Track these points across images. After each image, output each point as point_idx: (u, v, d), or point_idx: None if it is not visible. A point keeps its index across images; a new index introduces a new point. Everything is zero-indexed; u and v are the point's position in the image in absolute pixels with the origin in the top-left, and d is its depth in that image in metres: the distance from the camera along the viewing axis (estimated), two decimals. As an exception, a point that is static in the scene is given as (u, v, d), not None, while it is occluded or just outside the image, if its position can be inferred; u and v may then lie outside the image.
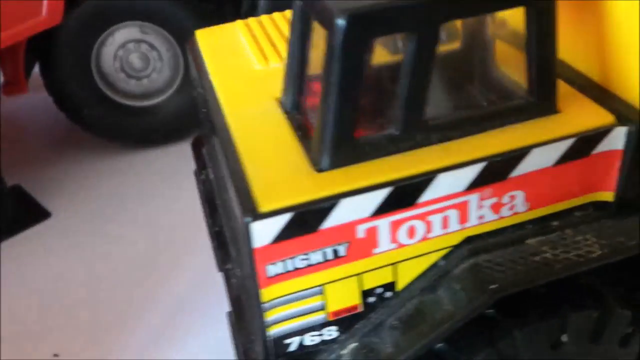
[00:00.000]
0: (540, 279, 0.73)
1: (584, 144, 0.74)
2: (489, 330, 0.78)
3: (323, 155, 0.71)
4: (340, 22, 0.64)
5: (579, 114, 0.76)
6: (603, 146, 0.75)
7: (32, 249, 1.53)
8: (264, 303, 0.72)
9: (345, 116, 0.68)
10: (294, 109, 0.81)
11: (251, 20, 1.06)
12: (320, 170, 0.71)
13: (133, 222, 1.58)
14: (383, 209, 0.70)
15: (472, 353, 0.77)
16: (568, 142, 0.73)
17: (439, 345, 0.79)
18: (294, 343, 0.76)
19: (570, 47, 0.84)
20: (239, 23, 1.05)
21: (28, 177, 1.73)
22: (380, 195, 0.69)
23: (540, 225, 0.78)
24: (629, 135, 0.74)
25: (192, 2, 1.66)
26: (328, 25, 0.66)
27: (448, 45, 0.83)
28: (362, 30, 0.65)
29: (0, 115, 1.78)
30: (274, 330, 0.74)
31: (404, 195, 0.70)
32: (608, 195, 0.78)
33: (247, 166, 0.72)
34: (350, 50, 0.65)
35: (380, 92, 0.74)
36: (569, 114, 0.76)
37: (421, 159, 0.71)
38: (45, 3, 1.43)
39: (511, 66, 0.77)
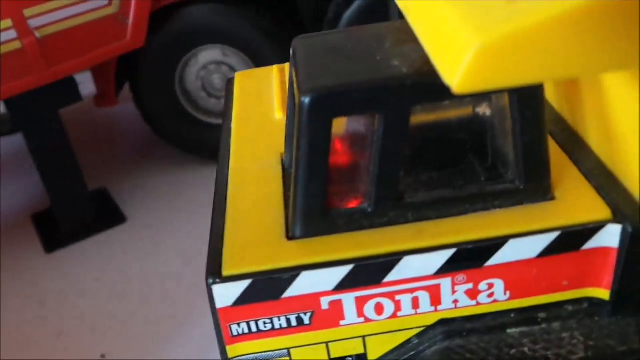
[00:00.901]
0: (508, 374, 0.70)
1: (572, 238, 0.70)
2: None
3: (295, 224, 0.72)
4: (305, 100, 0.65)
5: (574, 204, 0.71)
6: (595, 242, 0.70)
7: (103, 252, 1.65)
8: (230, 359, 0.74)
9: (314, 189, 0.69)
10: (292, 167, 0.83)
11: (287, 66, 1.08)
12: (291, 237, 0.72)
13: (202, 235, 1.66)
14: (346, 285, 0.70)
15: None
16: (552, 235, 0.69)
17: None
18: (263, 399, 0.78)
19: (588, 123, 0.79)
20: (275, 68, 1.08)
21: (112, 182, 1.88)
22: (343, 271, 0.69)
23: (525, 315, 0.74)
24: (624, 234, 0.69)
25: (270, 27, 1.71)
26: (297, 99, 0.67)
27: (455, 110, 0.81)
28: (326, 109, 0.65)
29: (93, 123, 1.93)
30: (242, 386, 0.77)
31: (367, 273, 0.69)
32: (603, 293, 0.73)
33: (228, 225, 0.75)
34: (315, 128, 0.66)
35: (356, 165, 0.74)
36: (562, 202, 0.72)
37: (390, 238, 0.70)
38: (129, 27, 1.54)
39: (506, 146, 0.74)
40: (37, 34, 1.45)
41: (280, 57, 1.74)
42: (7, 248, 1.70)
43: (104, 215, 1.76)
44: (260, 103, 0.99)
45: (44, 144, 1.60)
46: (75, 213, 1.71)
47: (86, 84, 1.81)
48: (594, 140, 0.79)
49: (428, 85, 0.65)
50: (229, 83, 1.08)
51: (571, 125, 0.83)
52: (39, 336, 1.43)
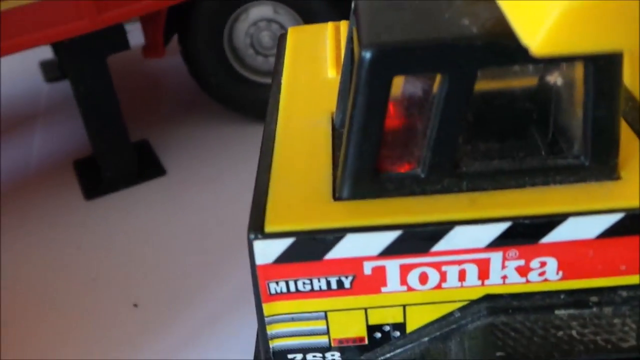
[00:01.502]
0: (554, 357, 0.67)
1: (635, 221, 0.66)
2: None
3: (343, 184, 0.69)
4: (366, 55, 0.62)
5: (640, 186, 0.67)
6: (660, 227, 0.66)
7: (141, 203, 1.66)
8: (266, 317, 0.73)
9: (366, 150, 0.67)
10: (343, 127, 0.80)
11: (343, 23, 1.05)
12: (338, 198, 0.70)
13: (241, 194, 1.65)
14: (391, 251, 0.67)
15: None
16: (614, 217, 0.65)
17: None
18: (296, 359, 0.77)
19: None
20: (330, 25, 1.04)
21: (155, 134, 1.87)
22: (389, 237, 0.66)
23: (576, 297, 0.71)
24: (693, 221, 0.65)
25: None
26: (357, 54, 0.64)
27: (519, 79, 0.77)
28: (388, 66, 0.62)
29: (140, 73, 1.93)
30: (277, 344, 0.75)
31: (414, 241, 0.67)
32: (661, 280, 0.69)
33: (272, 181, 0.73)
34: (374, 86, 0.63)
35: (411, 129, 0.70)
36: (628, 182, 0.68)
37: (442, 206, 0.67)
38: (181, -22, 1.52)
39: (574, 120, 0.70)
40: (90, -21, 1.43)
41: (335, 18, 1.69)
42: (48, 192, 1.71)
43: (145, 166, 1.76)
44: (313, 60, 0.96)
45: (89, 91, 1.59)
46: (116, 162, 1.71)
47: (135, 33, 1.79)
48: (665, 121, 0.74)
49: (499, 46, 0.61)
50: (282, 38, 1.05)
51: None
52: (75, 280, 1.44)
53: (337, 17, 1.74)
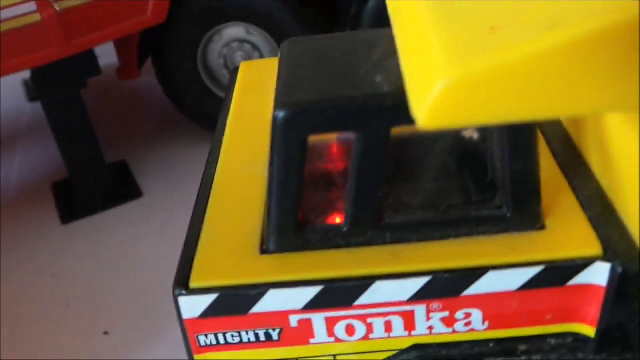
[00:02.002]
0: (479, 409, 0.67)
1: (557, 273, 0.66)
2: None
3: (269, 238, 0.70)
4: (279, 114, 0.62)
5: (563, 236, 0.67)
6: (582, 278, 0.66)
7: (117, 226, 1.67)
8: (199, 368, 0.73)
9: (287, 205, 0.67)
10: None
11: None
12: (265, 251, 0.70)
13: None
14: (315, 305, 0.68)
15: None
16: (535, 270, 0.65)
17: None
18: (234, 406, 0.77)
19: (592, 147, 0.74)
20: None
21: (132, 155, 1.88)
22: (312, 292, 0.67)
23: (505, 346, 0.71)
24: (613, 273, 0.64)
25: (295, 7, 1.67)
26: (273, 114, 0.64)
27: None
28: (301, 125, 0.62)
29: (115, 95, 1.93)
30: (213, 392, 0.76)
31: (337, 295, 0.67)
32: (589, 330, 0.69)
33: (204, 232, 0.74)
34: (289, 144, 0.63)
35: (334, 182, 0.71)
36: (551, 232, 0.68)
37: (364, 259, 0.67)
38: (150, 3, 1.52)
39: (495, 170, 0.70)
40: (57, 7, 1.44)
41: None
42: (25, 216, 1.73)
43: (121, 188, 1.77)
44: (260, 97, 0.96)
45: (62, 116, 1.61)
46: (93, 185, 1.72)
47: (106, 57, 1.80)
48: (597, 167, 0.74)
49: (409, 106, 0.61)
50: (233, 73, 1.05)
51: (576, 146, 0.78)
52: (47, 306, 1.45)
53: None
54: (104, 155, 1.72)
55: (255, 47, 1.75)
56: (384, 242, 0.69)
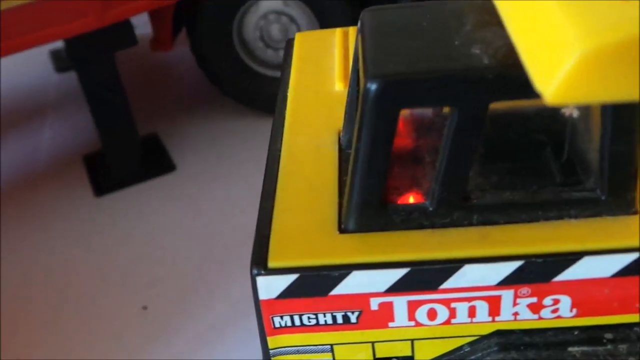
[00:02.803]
0: (565, 398, 0.65)
1: (654, 260, 0.63)
2: None
3: (349, 217, 0.67)
4: (372, 87, 0.59)
5: (661, 222, 0.64)
6: (680, 265, 0.63)
7: (151, 200, 1.64)
8: (271, 349, 0.71)
9: (372, 183, 0.64)
10: (350, 148, 0.77)
11: (352, 30, 1.01)
12: (344, 230, 0.68)
13: (249, 191, 1.63)
14: (398, 288, 0.65)
15: None
16: (631, 256, 0.62)
17: None
18: (302, 389, 0.75)
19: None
20: (338, 32, 1.01)
21: (164, 128, 1.85)
22: (396, 274, 0.64)
23: (590, 334, 0.68)
24: None
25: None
26: (362, 84, 0.61)
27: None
28: (394, 99, 0.59)
29: (149, 67, 1.90)
30: (282, 373, 0.74)
31: (422, 278, 0.64)
32: (680, 318, 0.66)
33: (276, 210, 0.71)
34: (380, 119, 0.60)
35: (420, 160, 0.68)
36: (648, 218, 0.65)
37: (451, 241, 0.65)
38: (188, -28, 1.48)
39: (590, 152, 0.67)
40: (95, -25, 1.40)
41: (346, 13, 1.65)
42: (57, 188, 1.70)
43: (154, 161, 1.74)
44: (319, 71, 0.93)
45: (97, 86, 1.57)
46: (125, 157, 1.69)
47: (142, 27, 1.76)
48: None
49: (512, 79, 0.57)
50: (288, 45, 1.02)
51: None
52: (82, 281, 1.44)
53: (347, 9, 1.72)
54: (137, 128, 1.69)
55: (292, 19, 1.70)
56: (471, 224, 0.66)
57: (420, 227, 0.66)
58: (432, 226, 0.66)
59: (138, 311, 1.36)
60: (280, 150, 0.79)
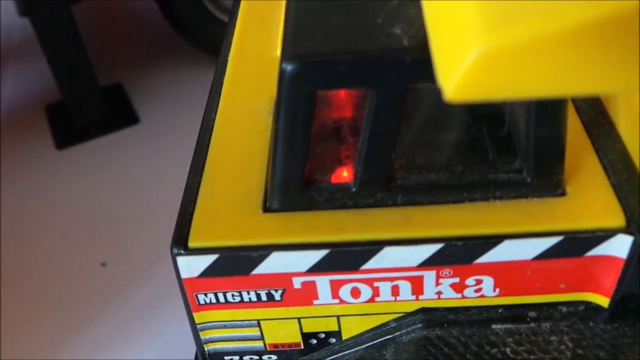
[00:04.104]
0: (484, 377, 0.65)
1: (576, 244, 0.62)
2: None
3: (273, 196, 0.66)
4: (287, 68, 0.57)
5: (584, 204, 0.63)
6: (601, 250, 0.63)
7: (113, 153, 1.62)
8: (198, 324, 0.71)
9: (293, 163, 0.62)
10: None
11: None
12: (268, 209, 0.66)
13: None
14: (320, 268, 0.65)
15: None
16: (553, 240, 0.62)
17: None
18: (233, 360, 0.76)
19: (618, 106, 0.69)
20: (285, -7, 0.97)
21: (128, 78, 1.81)
22: (317, 255, 0.63)
23: (514, 312, 0.68)
24: (635, 246, 0.61)
25: None
26: (280, 64, 0.58)
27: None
28: (310, 80, 0.57)
29: (111, 16, 1.84)
30: (212, 347, 0.74)
31: (343, 259, 0.64)
32: (602, 300, 0.67)
33: (203, 186, 0.69)
34: (297, 100, 0.58)
35: (344, 140, 0.66)
36: (572, 199, 0.64)
37: (373, 223, 0.64)
38: None
39: (517, 134, 0.65)
40: None
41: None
42: (18, 140, 1.68)
43: (117, 113, 1.72)
44: (263, 36, 0.90)
45: (53, 35, 1.53)
46: (87, 107, 1.67)
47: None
48: (622, 127, 0.69)
49: (430, 63, 0.55)
50: (235, 5, 0.98)
51: (602, 103, 0.73)
52: (43, 235, 1.43)
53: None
54: (97, 77, 1.65)
55: (257, -33, 1.65)
56: (395, 204, 0.65)
57: (344, 207, 0.65)
58: (356, 206, 0.65)
59: (97, 268, 1.37)
60: (214, 120, 0.77)
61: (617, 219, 0.62)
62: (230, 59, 0.86)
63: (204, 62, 1.82)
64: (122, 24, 2.04)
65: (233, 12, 0.96)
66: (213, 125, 0.77)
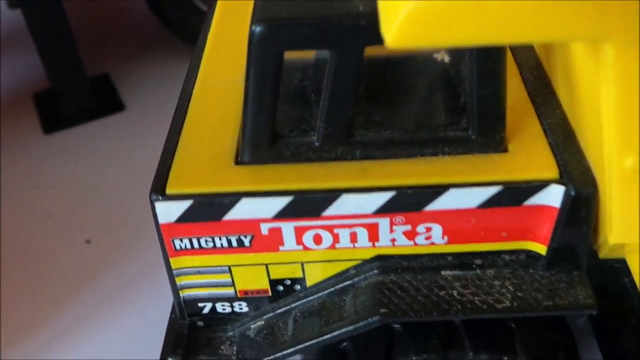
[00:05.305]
0: (432, 316, 0.72)
1: (514, 193, 0.70)
2: (390, 345, 0.79)
3: (244, 150, 0.73)
4: (255, 29, 0.64)
5: (523, 159, 0.71)
6: (538, 199, 0.70)
7: (99, 138, 1.68)
8: (174, 269, 0.78)
9: (262, 119, 0.69)
10: None
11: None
12: (239, 162, 0.73)
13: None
14: (285, 214, 0.71)
15: (366, 357, 0.79)
16: (494, 189, 0.69)
17: (345, 344, 0.82)
18: (206, 308, 0.82)
19: (559, 76, 0.77)
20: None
21: (115, 69, 1.88)
22: (282, 202, 0.70)
23: (462, 259, 0.75)
24: (566, 196, 0.68)
25: None
26: (249, 28, 0.65)
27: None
28: (276, 41, 0.64)
29: (100, 8, 1.91)
30: (187, 294, 0.81)
31: (306, 205, 0.71)
32: (541, 248, 0.74)
33: (181, 143, 0.76)
34: (264, 59, 0.65)
35: (309, 98, 0.73)
36: (513, 155, 0.71)
37: (333, 173, 0.71)
38: None
39: (463, 94, 0.72)
40: None
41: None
42: (6, 125, 1.73)
43: (104, 101, 1.78)
44: (242, 14, 0.97)
45: (43, 25, 1.59)
46: (74, 96, 1.72)
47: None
48: (563, 96, 0.77)
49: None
50: (215, -10, 1.05)
51: (546, 75, 0.81)
52: (29, 217, 1.48)
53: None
54: (85, 67, 1.71)
55: (241, -38, 1.72)
56: (354, 158, 0.72)
57: (308, 160, 0.72)
58: (319, 160, 0.72)
59: (82, 245, 1.42)
60: (192, 89, 0.84)
61: (552, 172, 0.69)
62: (209, 35, 0.93)
63: (187, 53, 1.88)
64: (111, 16, 2.10)
65: (213, -2, 1.03)
66: (191, 94, 0.84)
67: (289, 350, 0.78)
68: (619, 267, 0.76)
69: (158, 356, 0.84)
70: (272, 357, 0.78)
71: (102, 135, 1.69)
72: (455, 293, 0.74)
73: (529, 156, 0.71)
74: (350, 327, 0.74)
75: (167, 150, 0.76)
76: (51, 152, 1.65)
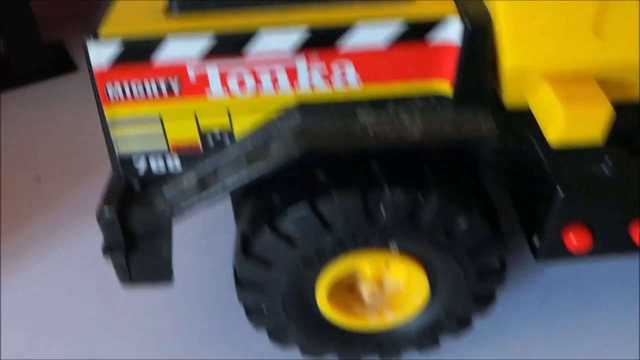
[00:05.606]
0: (348, 147, 0.78)
1: (416, 28, 0.77)
2: (312, 187, 0.84)
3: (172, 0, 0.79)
4: None
5: (427, 4, 0.78)
6: (438, 36, 0.77)
7: (52, 98, 1.73)
8: (108, 119, 0.82)
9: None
10: None
11: None
12: (169, 11, 0.79)
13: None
14: (209, 53, 0.77)
15: (291, 202, 0.84)
16: (398, 24, 0.76)
17: (274, 197, 0.87)
18: (141, 167, 0.87)
19: None
20: None
21: (70, 36, 1.93)
22: (205, 40, 0.76)
23: (377, 105, 0.82)
24: (464, 31, 0.76)
25: None
26: None
27: None
28: None
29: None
30: (122, 151, 0.85)
31: (227, 44, 0.76)
32: (447, 88, 0.81)
33: (117, 3, 0.82)
34: None
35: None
36: (419, 4, 0.79)
37: (254, 16, 0.77)
38: None
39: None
40: None
41: None
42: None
43: (57, 63, 1.82)
44: None
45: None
46: (29, 60, 1.77)
47: None
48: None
49: None
50: None
51: None
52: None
53: None
54: (40, 32, 1.76)
55: None
56: (271, 3, 0.79)
57: (234, 7, 0.79)
58: (241, 7, 0.79)
59: (31, 182, 1.45)
60: None
61: (449, 9, 0.77)
62: None
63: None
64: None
65: None
66: None
67: (217, 196, 0.83)
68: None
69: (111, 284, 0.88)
70: (203, 202, 0.83)
71: (55, 94, 1.74)
72: (370, 131, 0.80)
73: (432, 3, 0.79)
74: (273, 165, 0.80)
75: (104, 5, 0.81)
76: (3, 110, 1.69)
